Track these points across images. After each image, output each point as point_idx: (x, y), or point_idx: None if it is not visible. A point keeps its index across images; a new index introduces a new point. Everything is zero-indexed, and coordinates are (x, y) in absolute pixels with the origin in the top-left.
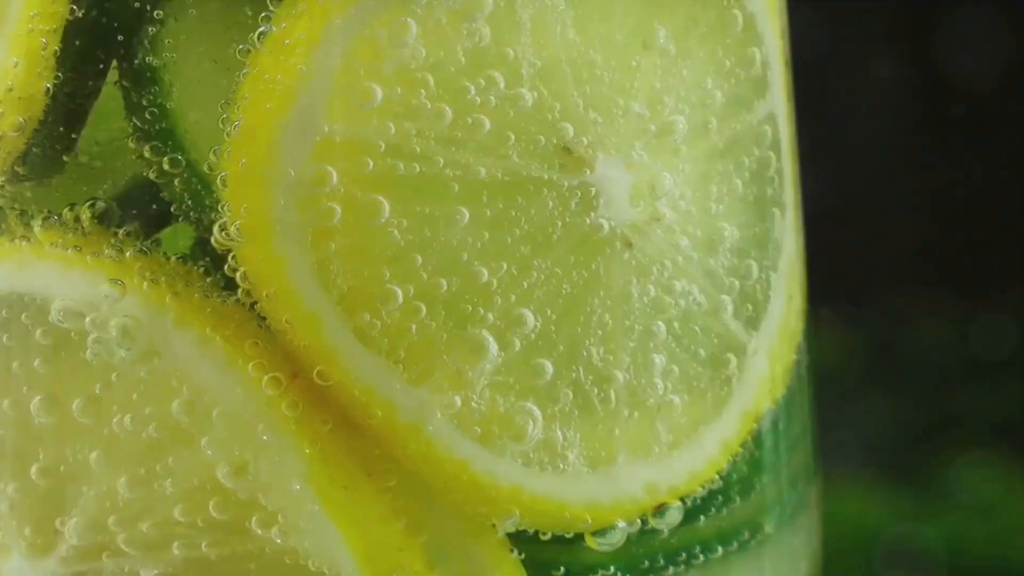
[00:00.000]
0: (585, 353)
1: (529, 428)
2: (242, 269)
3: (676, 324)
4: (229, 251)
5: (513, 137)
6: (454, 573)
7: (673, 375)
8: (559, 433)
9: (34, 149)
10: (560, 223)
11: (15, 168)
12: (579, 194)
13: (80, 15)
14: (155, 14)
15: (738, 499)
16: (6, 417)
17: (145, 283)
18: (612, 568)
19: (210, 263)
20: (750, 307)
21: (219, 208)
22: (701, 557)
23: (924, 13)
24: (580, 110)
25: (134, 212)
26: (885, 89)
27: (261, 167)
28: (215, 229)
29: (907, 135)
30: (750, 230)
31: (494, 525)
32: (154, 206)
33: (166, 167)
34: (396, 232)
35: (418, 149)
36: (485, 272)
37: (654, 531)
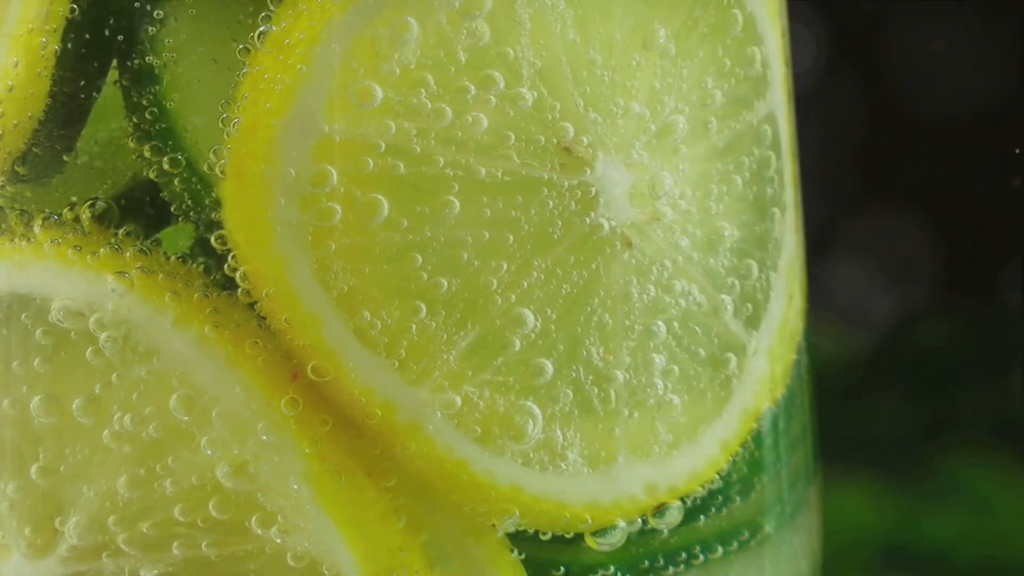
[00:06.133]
0: (585, 353)
1: (529, 428)
2: (242, 269)
3: (676, 324)
4: (229, 251)
5: (513, 137)
6: (454, 573)
7: (673, 375)
8: (559, 433)
9: (34, 149)
10: (560, 223)
11: (15, 168)
12: (579, 194)
13: (80, 15)
14: (155, 14)
15: (738, 499)
16: (6, 417)
17: (145, 283)
18: (612, 568)
19: (210, 263)
20: (750, 307)
21: (219, 208)
22: (701, 557)
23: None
24: (580, 110)
25: (134, 212)
26: (886, 86)
27: (261, 167)
28: (215, 229)
29: (910, 135)
30: (750, 230)
31: (494, 525)
32: (154, 206)
33: (166, 167)
34: (396, 232)
35: (418, 149)
36: (485, 272)
37: (654, 531)
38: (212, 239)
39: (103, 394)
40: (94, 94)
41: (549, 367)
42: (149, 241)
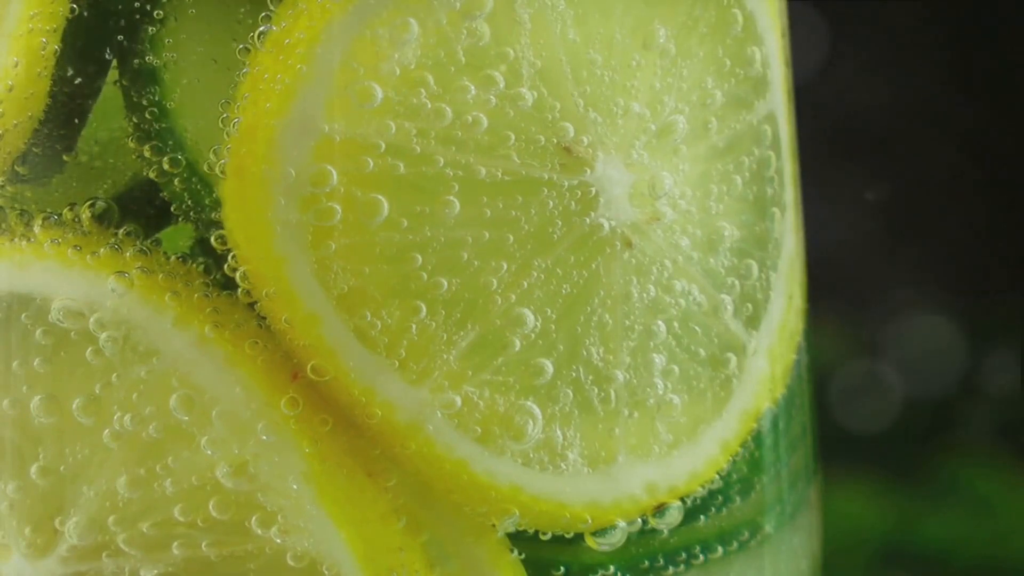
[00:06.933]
0: (585, 353)
1: (529, 428)
2: (242, 269)
3: (676, 324)
4: (229, 251)
5: (513, 137)
6: (454, 573)
7: (673, 375)
8: (559, 433)
9: (34, 149)
10: (560, 223)
11: (15, 168)
12: (579, 194)
13: (80, 15)
14: (155, 14)
15: (738, 499)
16: (6, 417)
17: (145, 283)
18: (612, 568)
19: (210, 263)
20: (750, 307)
21: (219, 208)
22: (701, 557)
23: None
24: (580, 110)
25: (134, 212)
26: (886, 83)
27: (261, 167)
28: (215, 229)
29: (908, 134)
30: (750, 230)
31: (494, 525)
32: (154, 206)
33: (166, 167)
34: (396, 232)
35: (418, 149)
36: (485, 272)
37: (654, 531)
38: (212, 239)
39: (103, 394)
40: (94, 94)
41: (549, 367)
42: (149, 241)
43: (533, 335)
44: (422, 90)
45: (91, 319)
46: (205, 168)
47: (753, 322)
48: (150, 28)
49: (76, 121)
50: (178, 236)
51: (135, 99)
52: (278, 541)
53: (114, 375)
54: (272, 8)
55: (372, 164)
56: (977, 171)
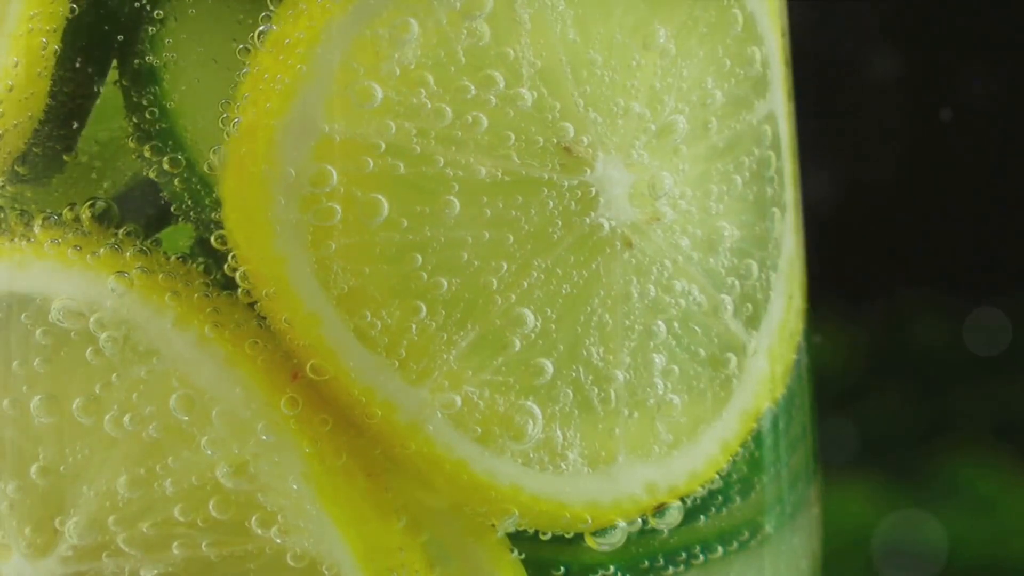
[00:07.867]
0: (585, 353)
1: (529, 428)
2: (242, 269)
3: (676, 324)
4: (229, 251)
5: (513, 137)
6: (454, 573)
7: (673, 375)
8: (559, 433)
9: (34, 149)
10: (560, 223)
11: (15, 168)
12: (579, 194)
13: (80, 15)
14: (155, 14)
15: (738, 499)
16: (6, 417)
17: (145, 283)
18: (612, 568)
19: (210, 263)
20: (750, 307)
21: (219, 208)
22: (701, 557)
23: (924, 12)
24: (580, 110)
25: (134, 212)
26: (885, 89)
27: (261, 167)
28: (215, 229)
29: (906, 135)
30: (750, 230)
31: (494, 525)
32: (154, 206)
33: (166, 167)
34: (396, 232)
35: (418, 149)
36: (485, 272)
37: (654, 531)
38: (212, 239)
39: (103, 394)
40: (94, 94)
41: (549, 367)
42: (149, 241)
43: (533, 335)
44: (422, 90)
45: (91, 319)
46: (205, 168)
47: (753, 322)
48: (150, 28)
49: (76, 121)
50: (178, 236)
51: (135, 99)
52: (278, 541)
53: (114, 375)
54: (272, 8)
55: (372, 164)
56: (980, 168)
